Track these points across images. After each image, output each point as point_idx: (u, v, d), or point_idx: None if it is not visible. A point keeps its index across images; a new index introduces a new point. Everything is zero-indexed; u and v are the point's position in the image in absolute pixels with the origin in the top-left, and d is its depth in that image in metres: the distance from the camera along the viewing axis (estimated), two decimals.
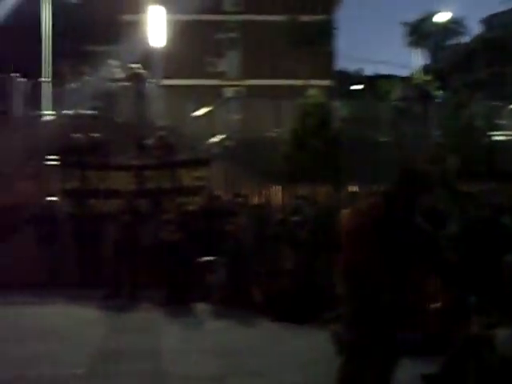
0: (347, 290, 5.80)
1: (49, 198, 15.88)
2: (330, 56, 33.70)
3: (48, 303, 13.06)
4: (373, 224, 5.67)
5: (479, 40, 48.84)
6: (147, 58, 21.05)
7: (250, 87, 30.39)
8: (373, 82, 33.28)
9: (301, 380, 7.39)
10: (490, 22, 50.63)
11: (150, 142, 17.02)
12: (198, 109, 21.12)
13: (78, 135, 17.07)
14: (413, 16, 46.46)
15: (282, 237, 12.99)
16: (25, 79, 20.11)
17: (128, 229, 13.81)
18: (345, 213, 6.19)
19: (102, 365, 7.96)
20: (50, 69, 21.28)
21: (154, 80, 20.69)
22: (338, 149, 19.38)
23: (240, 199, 15.61)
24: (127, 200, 14.62)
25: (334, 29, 33.21)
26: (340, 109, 22.47)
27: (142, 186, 15.77)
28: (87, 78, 20.52)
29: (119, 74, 20.69)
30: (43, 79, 21.04)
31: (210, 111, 21.12)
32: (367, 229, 5.67)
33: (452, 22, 44.33)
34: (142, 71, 20.49)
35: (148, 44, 21.01)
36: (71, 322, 10.94)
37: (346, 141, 19.72)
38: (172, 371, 7.65)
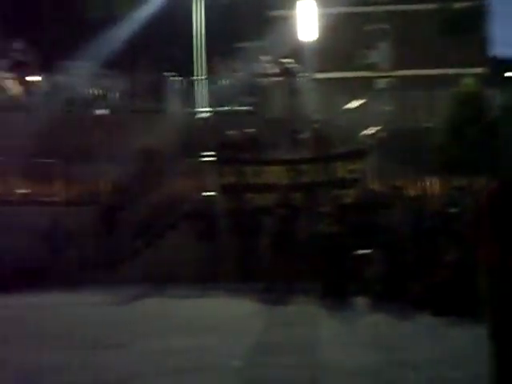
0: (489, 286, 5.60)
1: (206, 194, 16.34)
2: (483, 42, 32.46)
3: (208, 297, 13.47)
4: None
5: None
6: (298, 52, 21.14)
7: (401, 78, 29.81)
8: None
9: (459, 375, 7.16)
10: None
11: (304, 135, 17.11)
12: (350, 101, 21.00)
13: (232, 131, 17.43)
14: None
15: (440, 229, 12.67)
16: (179, 78, 20.76)
17: (284, 222, 13.94)
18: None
19: (260, 357, 8.09)
20: (204, 67, 21.83)
21: (305, 74, 20.75)
22: (495, 138, 18.70)
23: (395, 191, 15.39)
24: (283, 194, 14.78)
25: (488, 14, 31.96)
26: (496, 97, 21.63)
27: (297, 180, 15.88)
28: (240, 74, 20.88)
29: (271, 69, 20.90)
30: (197, 77, 21.61)
31: (362, 103, 20.95)
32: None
33: None
34: (293, 66, 20.61)
35: (299, 38, 21.09)
36: (230, 315, 11.19)
37: (503, 129, 19.00)
38: (328, 364, 7.64)
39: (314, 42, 21.13)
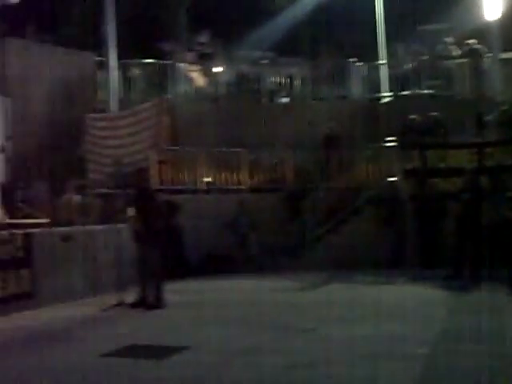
0: None
1: (389, 179, 16.28)
2: None
3: (391, 283, 13.47)
4: None
5: None
6: (483, 32, 20.45)
7: None
8: None
9: None
10: None
11: (490, 118, 16.58)
12: None
13: (415, 115, 17.22)
14: None
15: None
16: (361, 63, 20.74)
17: (470, 207, 13.60)
18: None
19: (448, 344, 8.03)
20: (384, 51, 21.67)
21: (491, 54, 20.05)
22: None
23: None
24: (468, 178, 14.41)
25: None
26: None
27: (483, 163, 15.45)
28: (423, 57, 20.53)
29: (455, 51, 20.38)
30: (380, 62, 21.49)
31: None
32: None
33: None
34: (478, 46, 19.98)
35: (483, 17, 20.38)
36: (414, 302, 11.14)
37: None
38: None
39: (498, 20, 20.32)
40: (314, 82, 20.72)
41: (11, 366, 7.33)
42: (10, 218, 12.36)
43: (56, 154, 16.99)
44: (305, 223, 16.51)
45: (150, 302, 10.89)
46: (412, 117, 17.18)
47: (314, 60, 22.11)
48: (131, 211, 11.46)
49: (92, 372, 7.07)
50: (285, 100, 21.51)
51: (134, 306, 10.83)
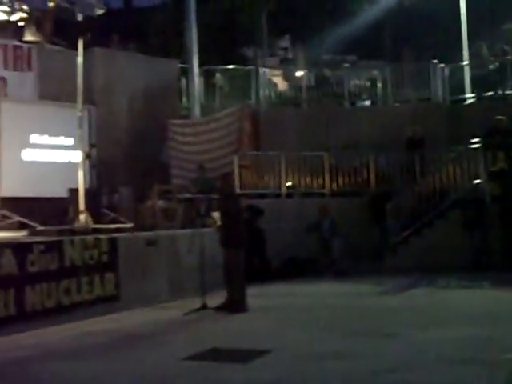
0: None
1: (474, 181, 15.95)
2: None
3: (476, 287, 13.16)
4: None
5: None
6: None
7: None
8: None
9: None
10: None
11: None
12: None
13: (500, 116, 16.82)
14: None
15: None
16: (442, 64, 20.38)
17: None
18: None
19: None
20: (466, 51, 21.28)
21: None
22: None
23: None
24: None
25: None
26: None
27: None
28: (506, 57, 20.03)
29: None
30: (463, 63, 21.09)
31: None
32: None
33: None
34: None
35: None
36: (498, 307, 10.82)
37: None
38: None
39: None
40: (395, 84, 20.47)
41: (94, 369, 7.49)
42: (95, 223, 12.64)
43: (140, 160, 17.35)
44: (388, 227, 16.32)
45: (232, 306, 10.95)
46: (498, 118, 16.78)
47: (396, 62, 21.87)
48: (215, 216, 11.58)
49: (174, 375, 7.15)
50: (366, 103, 21.36)
51: (217, 309, 10.91)
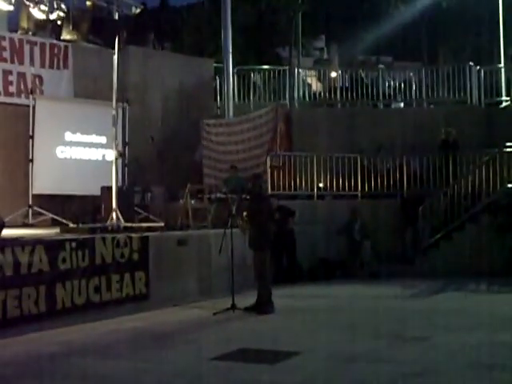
0: None
1: (508, 185, 15.79)
2: None
3: (505, 292, 13.12)
4: None
5: None
6: None
7: None
8: None
9: None
10: None
11: None
12: None
13: None
14: None
15: None
16: (478, 66, 20.15)
17: None
18: None
19: None
20: (502, 53, 21.04)
21: None
22: None
23: None
24: None
25: None
26: None
27: None
28: None
29: None
30: (499, 65, 20.86)
31: None
32: None
33: None
34: None
35: None
36: None
37: None
38: None
39: None
40: (430, 86, 20.30)
41: (121, 367, 7.54)
42: (127, 222, 12.72)
43: (173, 159, 17.42)
44: (419, 230, 16.20)
45: (260, 307, 10.95)
46: None
47: (431, 64, 21.69)
48: (244, 216, 11.59)
49: (201, 375, 7.18)
50: (401, 105, 21.21)
51: (246, 310, 10.91)
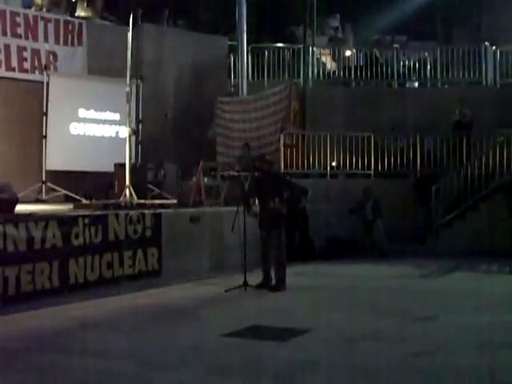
0: None
1: None
2: None
3: None
4: None
5: None
6: None
7: None
8: None
9: None
10: None
11: None
12: None
13: None
14: None
15: None
16: (495, 47, 19.97)
17: None
18: None
19: None
20: None
21: None
22: None
23: None
24: None
25: None
26: None
27: None
28: None
29: None
30: None
31: None
32: None
33: None
34: None
35: None
36: None
37: None
38: None
39: None
40: (445, 66, 20.14)
41: (134, 342, 7.59)
42: (140, 199, 12.75)
43: (186, 136, 17.42)
44: (432, 209, 16.16)
45: (272, 285, 10.98)
46: None
47: (446, 44, 21.50)
48: (253, 195, 11.61)
49: (212, 351, 7.21)
50: (415, 84, 21.09)
51: (257, 287, 10.95)
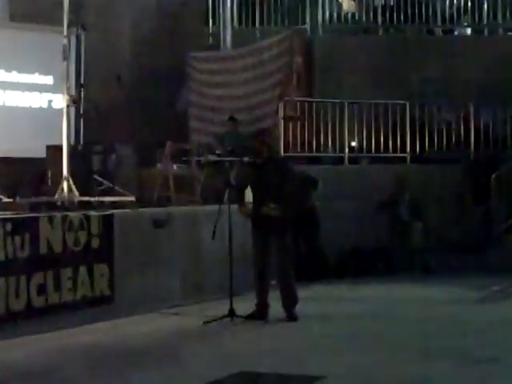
0: None
1: None
2: None
3: None
4: None
5: None
6: None
7: None
8: None
9: None
10: None
11: None
12: None
13: None
14: None
15: None
16: None
17: None
18: None
19: None
20: None
21: None
22: None
23: None
24: None
25: None
26: None
27: None
28: None
29: None
30: None
31: None
32: None
33: None
34: None
35: None
36: None
37: None
38: None
39: None
40: (509, 5, 20.17)
41: None
42: (83, 195, 12.71)
43: (146, 107, 17.36)
44: (491, 207, 16.19)
45: (288, 313, 11.06)
46: None
47: None
48: (247, 188, 11.59)
49: None
50: (467, 31, 21.12)
51: (248, 317, 10.96)
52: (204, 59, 18.60)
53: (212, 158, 14.98)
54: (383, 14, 20.74)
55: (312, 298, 12.90)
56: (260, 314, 11.07)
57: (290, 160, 15.15)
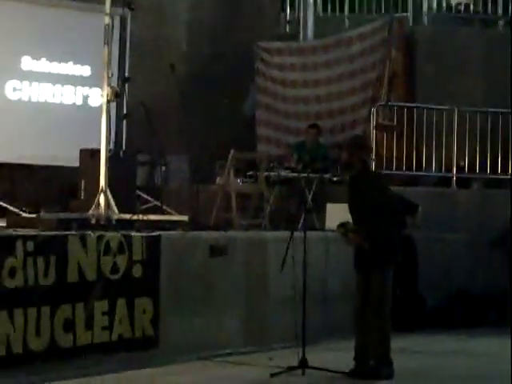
0: None
1: None
2: None
3: None
4: None
5: None
6: None
7: None
8: None
9: None
10: None
11: None
12: None
13: None
14: None
15: None
16: None
17: None
18: None
19: None
20: None
21: None
22: None
23: None
24: None
25: None
26: None
27: None
28: None
29: None
30: None
31: None
32: None
33: None
34: None
35: None
36: None
37: None
38: None
39: None
40: None
41: None
42: (124, 212, 12.74)
43: (205, 109, 17.42)
44: None
45: (374, 367, 10.94)
46: None
47: None
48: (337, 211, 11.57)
49: None
50: None
51: (328, 371, 10.88)
52: (277, 51, 18.63)
53: (284, 173, 14.93)
54: (504, 3, 20.59)
55: (410, 349, 13.00)
56: (359, 366, 10.91)
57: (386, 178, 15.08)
